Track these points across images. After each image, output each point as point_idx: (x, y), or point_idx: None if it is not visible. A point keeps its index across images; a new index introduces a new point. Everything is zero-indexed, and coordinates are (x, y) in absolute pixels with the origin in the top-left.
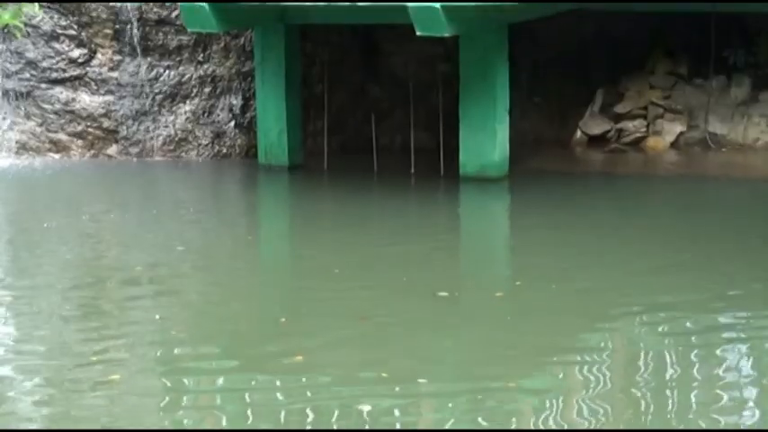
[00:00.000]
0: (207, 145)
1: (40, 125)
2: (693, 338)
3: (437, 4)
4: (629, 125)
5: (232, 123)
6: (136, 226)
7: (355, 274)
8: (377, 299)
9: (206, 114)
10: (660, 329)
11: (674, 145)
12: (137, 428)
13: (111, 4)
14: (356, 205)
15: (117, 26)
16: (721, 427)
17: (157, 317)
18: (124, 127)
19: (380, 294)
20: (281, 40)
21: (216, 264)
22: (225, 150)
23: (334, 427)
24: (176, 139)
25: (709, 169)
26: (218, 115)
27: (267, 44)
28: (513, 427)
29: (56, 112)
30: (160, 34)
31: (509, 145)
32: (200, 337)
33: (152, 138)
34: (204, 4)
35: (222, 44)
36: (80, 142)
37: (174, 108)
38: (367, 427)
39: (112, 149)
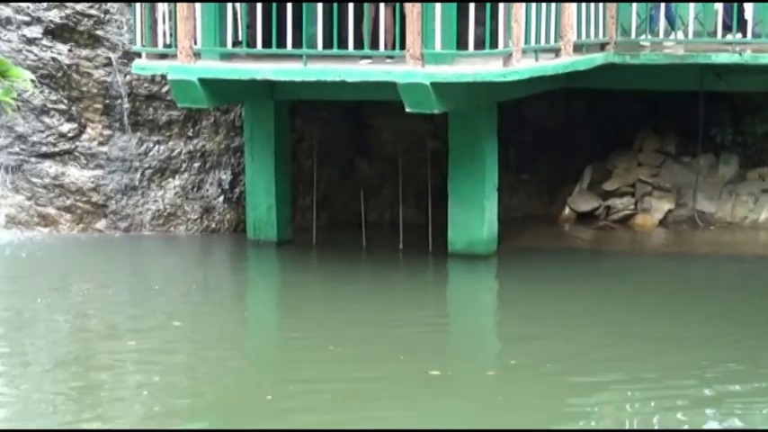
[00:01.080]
0: (196, 220)
1: (29, 199)
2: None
3: (427, 82)
4: (617, 202)
5: (221, 198)
6: (125, 304)
7: (345, 353)
8: (367, 377)
9: (195, 189)
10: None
11: (662, 223)
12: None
13: (101, 79)
14: (345, 283)
15: (107, 101)
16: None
17: (145, 392)
18: (113, 201)
19: (371, 372)
20: (270, 116)
21: (206, 340)
22: (214, 225)
23: None
24: (165, 213)
25: (698, 247)
26: (208, 190)
27: (257, 120)
28: None
29: (45, 186)
30: (150, 109)
31: (497, 222)
32: (187, 413)
33: (141, 212)
34: (194, 79)
35: (212, 119)
36: (69, 216)
37: (163, 183)
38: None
39: (101, 224)
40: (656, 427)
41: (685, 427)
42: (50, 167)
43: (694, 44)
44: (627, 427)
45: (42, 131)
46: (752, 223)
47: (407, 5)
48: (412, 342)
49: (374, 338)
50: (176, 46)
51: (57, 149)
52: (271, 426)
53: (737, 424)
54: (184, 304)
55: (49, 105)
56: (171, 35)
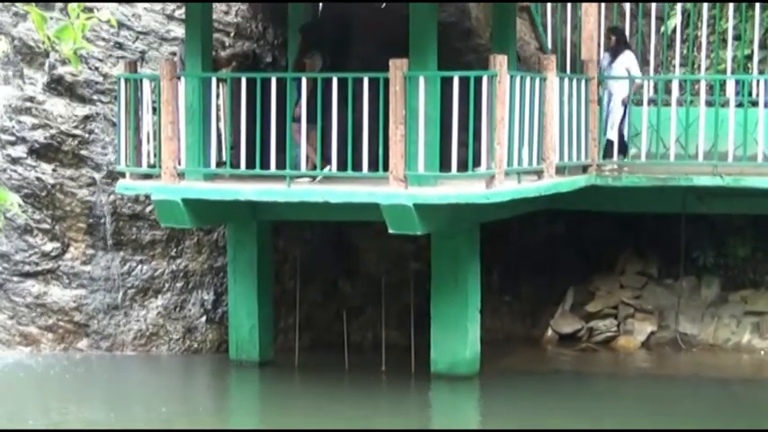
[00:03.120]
0: (178, 340)
1: (11, 318)
2: None
3: (409, 203)
4: (600, 324)
5: (204, 318)
6: (104, 424)
7: None
8: None
9: (178, 309)
10: None
11: (644, 344)
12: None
13: (85, 198)
14: (328, 405)
15: (91, 220)
16: None
17: None
18: (95, 321)
19: None
20: (253, 237)
21: None
22: (196, 345)
23: None
24: (147, 333)
25: (681, 369)
26: (190, 310)
27: (240, 240)
28: None
29: (27, 306)
30: (134, 229)
31: (480, 343)
32: None
33: (123, 332)
34: (178, 199)
35: (195, 239)
36: (50, 336)
37: (145, 302)
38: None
39: (83, 343)
40: None
41: None
42: (33, 286)
43: (675, 166)
44: None
45: (25, 250)
46: (734, 346)
47: (391, 127)
48: None
49: None
50: (160, 166)
51: (39, 269)
52: None
53: None
54: (165, 425)
55: (33, 224)
56: (155, 155)
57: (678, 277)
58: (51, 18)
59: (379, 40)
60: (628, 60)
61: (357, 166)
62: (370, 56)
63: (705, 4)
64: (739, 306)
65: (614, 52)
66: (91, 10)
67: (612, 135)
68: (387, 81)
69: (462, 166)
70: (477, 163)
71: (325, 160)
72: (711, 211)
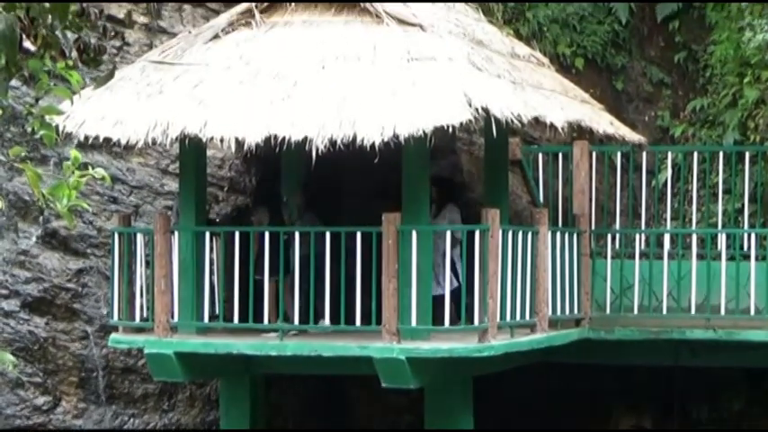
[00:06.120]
0: None
1: None
2: None
3: (402, 356)
4: None
5: None
6: None
7: None
8: None
9: None
10: None
11: None
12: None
13: (77, 352)
14: None
15: (83, 374)
16: None
17: None
18: None
19: None
20: (246, 391)
21: None
22: None
23: None
24: None
25: None
26: None
27: (232, 395)
28: None
29: None
30: (126, 382)
31: None
32: None
33: None
34: (171, 353)
35: (188, 393)
36: None
37: None
38: None
39: None
40: None
41: None
42: None
43: (668, 319)
44: None
45: (17, 404)
46: None
47: (384, 281)
48: None
49: None
50: (153, 320)
51: (30, 422)
52: None
53: None
54: None
55: (24, 378)
56: (148, 309)
57: (673, 431)
58: (47, 173)
59: (369, 190)
60: (449, 214)
61: (350, 320)
62: (359, 206)
63: (695, 159)
64: None
65: (438, 205)
66: (86, 166)
67: (440, 290)
68: (379, 234)
69: (455, 320)
70: (470, 316)
71: (318, 314)
72: (705, 365)
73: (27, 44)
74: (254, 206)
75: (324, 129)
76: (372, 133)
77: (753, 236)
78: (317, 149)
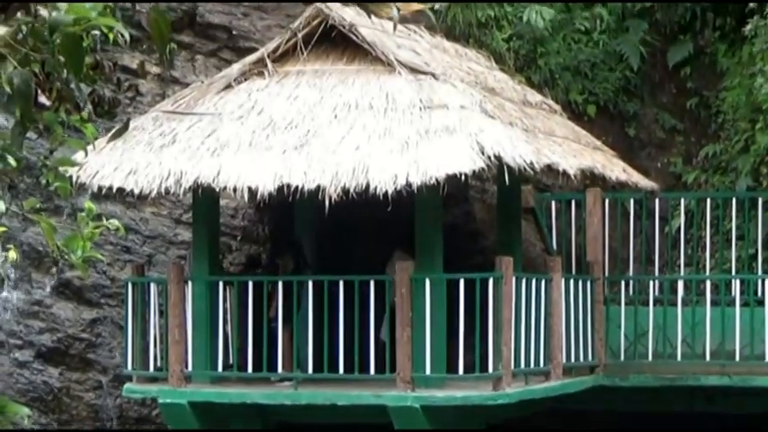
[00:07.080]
0: None
1: None
2: None
3: (417, 405)
4: None
5: None
6: None
7: None
8: None
9: None
10: None
11: None
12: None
13: (91, 402)
14: None
15: (97, 424)
16: None
17: None
18: None
19: None
20: None
21: None
22: None
23: None
24: None
25: None
26: None
27: None
28: None
29: None
30: None
31: None
32: None
33: None
34: (185, 402)
35: None
36: None
37: None
38: None
39: None
40: None
41: None
42: None
43: (683, 366)
44: None
45: None
46: None
47: (398, 329)
48: None
49: None
50: (167, 369)
51: None
52: None
53: None
54: None
55: (38, 428)
56: (162, 358)
57: None
58: (60, 223)
59: (382, 238)
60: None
61: (364, 369)
62: (372, 254)
63: (708, 205)
64: None
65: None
66: (100, 217)
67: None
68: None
69: (469, 368)
70: (484, 364)
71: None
72: (721, 411)
73: (42, 99)
74: (277, 250)
75: (337, 178)
76: (385, 182)
77: (767, 281)
78: (331, 198)
